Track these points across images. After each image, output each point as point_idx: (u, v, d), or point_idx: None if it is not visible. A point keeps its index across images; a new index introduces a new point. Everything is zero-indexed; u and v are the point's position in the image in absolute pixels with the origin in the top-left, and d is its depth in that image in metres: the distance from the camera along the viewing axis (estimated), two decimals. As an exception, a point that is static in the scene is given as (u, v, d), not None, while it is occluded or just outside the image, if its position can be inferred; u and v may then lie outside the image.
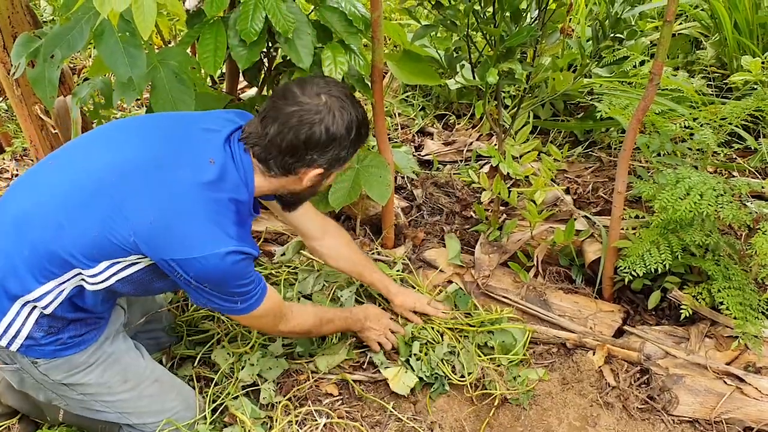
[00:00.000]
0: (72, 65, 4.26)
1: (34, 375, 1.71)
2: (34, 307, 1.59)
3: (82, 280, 1.59)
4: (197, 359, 2.16)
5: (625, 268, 2.18)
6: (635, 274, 2.16)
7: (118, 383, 1.80)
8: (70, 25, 1.69)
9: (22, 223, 1.57)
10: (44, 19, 4.20)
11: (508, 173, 2.33)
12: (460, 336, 2.19)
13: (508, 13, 1.99)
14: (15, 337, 1.61)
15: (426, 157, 3.33)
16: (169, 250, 1.52)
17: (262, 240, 2.62)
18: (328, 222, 2.22)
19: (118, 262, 1.57)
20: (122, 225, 1.51)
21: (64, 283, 1.58)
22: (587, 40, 2.62)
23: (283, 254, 2.52)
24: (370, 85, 2.35)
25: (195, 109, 1.93)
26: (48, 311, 1.59)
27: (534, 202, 2.34)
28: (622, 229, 2.30)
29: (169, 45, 2.88)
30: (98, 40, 1.65)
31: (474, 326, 2.22)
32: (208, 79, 2.65)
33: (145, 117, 1.81)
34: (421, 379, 2.07)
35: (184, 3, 1.54)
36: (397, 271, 2.44)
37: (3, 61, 2.35)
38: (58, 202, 1.56)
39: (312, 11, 2.22)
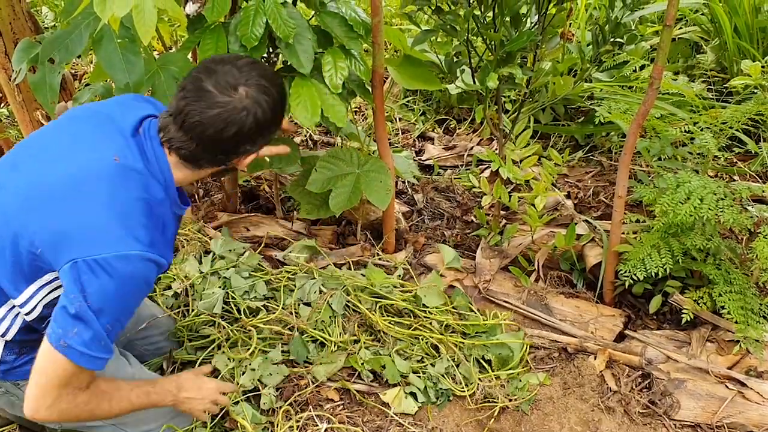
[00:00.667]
0: (73, 71, 4.27)
1: (21, 396, 1.64)
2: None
3: (17, 314, 1.54)
4: (197, 364, 2.15)
5: (625, 272, 2.18)
6: (636, 279, 2.16)
7: None
8: (69, 30, 1.69)
9: None
10: (46, 25, 4.21)
11: (508, 178, 2.33)
12: (455, 347, 2.18)
13: (508, 18, 1.99)
14: None
15: (427, 162, 3.33)
16: (67, 250, 1.39)
17: (262, 245, 2.62)
18: None
19: (42, 287, 1.50)
20: (28, 238, 1.42)
21: (7, 313, 1.54)
22: (587, 45, 2.63)
23: (290, 252, 2.53)
24: (370, 90, 2.35)
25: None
26: (9, 337, 1.57)
27: (534, 206, 2.34)
28: (623, 233, 2.31)
29: (170, 50, 2.89)
30: (97, 45, 1.66)
31: (468, 335, 2.22)
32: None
33: (63, 119, 1.65)
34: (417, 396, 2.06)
35: (184, 8, 1.54)
36: (398, 276, 2.44)
37: (4, 67, 2.35)
38: None
39: (312, 17, 2.23)
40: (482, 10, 1.99)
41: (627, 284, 2.20)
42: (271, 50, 2.32)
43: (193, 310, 2.30)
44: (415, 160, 3.29)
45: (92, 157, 1.46)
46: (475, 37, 2.20)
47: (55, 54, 1.76)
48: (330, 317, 2.25)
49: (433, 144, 3.53)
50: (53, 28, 4.18)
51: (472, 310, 2.31)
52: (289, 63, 2.12)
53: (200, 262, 2.48)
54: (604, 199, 2.91)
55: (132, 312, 1.52)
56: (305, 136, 3.62)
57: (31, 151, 1.55)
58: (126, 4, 1.27)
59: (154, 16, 1.29)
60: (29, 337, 1.59)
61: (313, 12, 2.19)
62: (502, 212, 2.73)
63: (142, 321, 2.09)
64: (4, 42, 2.28)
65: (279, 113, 1.57)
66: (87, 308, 1.39)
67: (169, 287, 2.39)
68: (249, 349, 2.15)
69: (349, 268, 2.50)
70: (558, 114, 3.48)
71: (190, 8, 1.52)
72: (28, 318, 1.54)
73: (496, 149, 3.35)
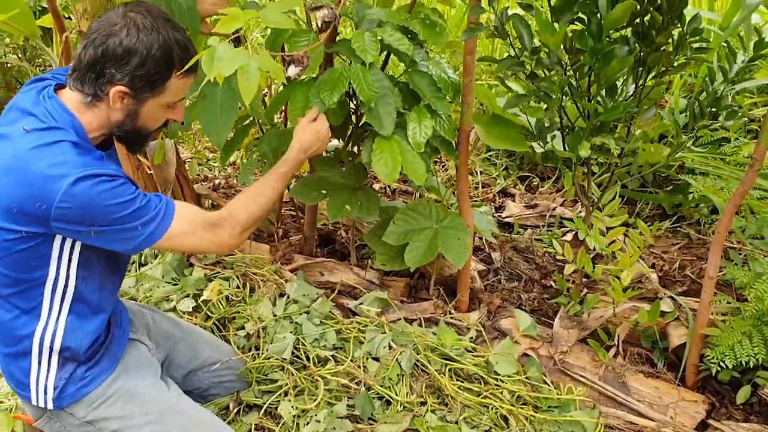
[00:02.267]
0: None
1: (61, 418, 1.71)
2: (49, 348, 1.61)
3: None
4: (263, 409, 2.15)
5: (712, 357, 2.06)
6: (724, 366, 2.03)
7: (139, 415, 1.74)
8: None
9: None
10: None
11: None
12: (526, 420, 2.09)
13: (603, 89, 1.94)
14: (45, 391, 1.64)
15: (506, 219, 3.28)
16: (40, 210, 1.43)
17: (335, 292, 2.61)
18: None
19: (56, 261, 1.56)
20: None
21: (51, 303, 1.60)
22: (681, 112, 2.54)
23: (361, 303, 2.51)
24: (455, 146, 2.34)
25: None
26: (57, 345, 1.61)
27: (619, 279, 2.25)
28: (711, 314, 2.19)
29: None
30: (201, 98, 1.71)
31: (541, 408, 2.13)
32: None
33: None
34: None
35: (286, 71, 1.57)
36: (470, 338, 2.38)
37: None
38: None
39: (403, 73, 2.24)
40: (577, 78, 1.95)
41: (713, 371, 2.08)
42: (355, 106, 2.35)
43: (263, 353, 2.31)
44: (494, 217, 3.24)
45: (14, 138, 1.48)
46: (566, 101, 2.16)
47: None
48: (398, 375, 2.21)
49: (514, 201, 3.47)
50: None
51: (546, 382, 2.23)
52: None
53: (274, 305, 2.50)
54: (690, 274, 2.78)
55: (120, 202, 1.51)
56: (384, 183, 3.63)
57: None
58: (232, 64, 1.31)
59: (257, 77, 1.32)
60: (74, 342, 1.63)
61: (402, 68, 2.20)
62: (584, 279, 2.63)
63: (203, 356, 2.11)
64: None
65: (158, 55, 1.48)
66: (102, 231, 1.49)
67: (242, 327, 2.42)
68: (315, 399, 2.13)
69: (420, 325, 2.47)
70: (646, 180, 3.38)
71: (292, 71, 1.55)
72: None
73: (580, 212, 3.28)
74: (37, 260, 1.53)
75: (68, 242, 1.55)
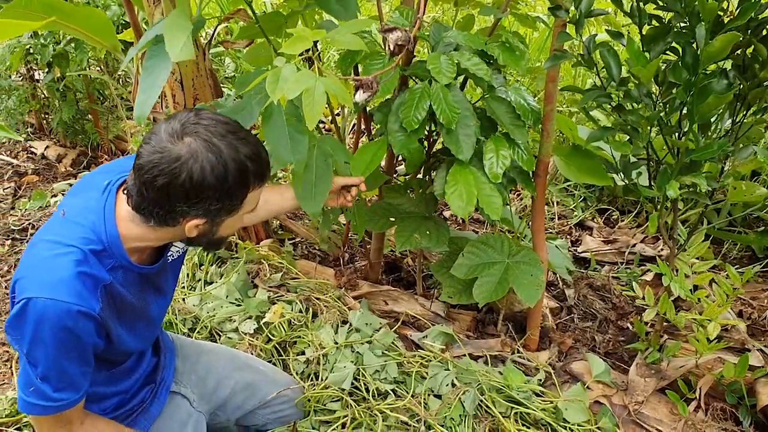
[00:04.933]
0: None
1: None
2: None
3: None
4: (317, 441, 2.08)
5: (809, 423, 1.87)
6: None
7: None
8: (241, 104, 1.70)
9: None
10: (226, 75, 4.47)
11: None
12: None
13: (696, 125, 1.80)
14: None
15: (583, 254, 3.13)
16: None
17: (399, 323, 2.53)
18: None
19: None
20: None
21: None
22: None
23: (425, 337, 2.42)
24: (532, 178, 2.23)
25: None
26: None
27: (704, 328, 2.08)
28: (808, 374, 1.99)
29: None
30: (266, 121, 1.65)
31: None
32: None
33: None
34: None
35: (354, 96, 1.51)
36: (539, 380, 2.25)
37: (181, 120, 2.46)
38: None
39: (479, 99, 2.15)
40: (667, 112, 1.82)
41: (809, 437, 1.89)
42: (431, 129, 2.27)
43: (322, 381, 2.25)
44: (570, 251, 3.10)
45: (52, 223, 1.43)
46: (654, 136, 2.03)
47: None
48: (460, 415, 2.10)
49: (591, 235, 3.31)
50: (232, 78, 4.42)
51: (619, 435, 2.08)
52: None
53: (336, 332, 2.43)
54: (784, 325, 2.57)
55: (69, 362, 1.37)
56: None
57: None
58: (297, 87, 1.25)
59: (323, 100, 1.25)
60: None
61: (478, 93, 2.12)
62: (665, 324, 2.46)
63: (260, 394, 2.05)
64: (185, 98, 2.39)
65: (227, 182, 1.32)
66: (22, 353, 1.35)
67: (303, 353, 2.36)
68: (372, 436, 2.05)
69: (486, 362, 2.35)
70: (735, 219, 3.17)
71: (360, 97, 1.48)
72: None
73: (661, 250, 3.09)
74: None
75: None
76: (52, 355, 1.32)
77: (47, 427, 1.45)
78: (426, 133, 2.26)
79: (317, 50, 2.13)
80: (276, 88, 1.28)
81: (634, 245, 3.14)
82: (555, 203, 3.57)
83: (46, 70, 4.17)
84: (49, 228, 1.41)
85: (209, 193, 1.31)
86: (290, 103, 1.55)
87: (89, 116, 4.51)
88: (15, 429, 2.20)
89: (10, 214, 3.74)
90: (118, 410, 1.66)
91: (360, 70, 2.10)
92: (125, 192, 1.38)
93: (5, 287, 3.10)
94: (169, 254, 1.59)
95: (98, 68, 4.19)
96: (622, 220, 3.46)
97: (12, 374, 2.51)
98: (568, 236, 3.33)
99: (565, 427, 2.08)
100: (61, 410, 1.39)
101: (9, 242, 3.43)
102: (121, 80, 4.38)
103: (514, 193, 3.72)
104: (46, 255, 1.34)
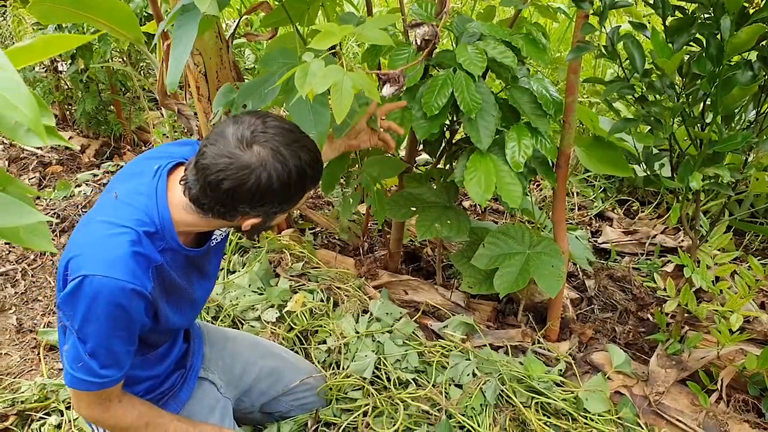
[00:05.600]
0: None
1: None
2: None
3: None
4: (341, 428, 2.11)
5: (832, 415, 1.87)
6: None
7: None
8: (263, 78, 1.74)
9: None
10: (246, 67, 4.49)
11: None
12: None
13: (719, 117, 1.79)
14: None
15: (603, 245, 3.12)
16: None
17: (420, 312, 2.55)
18: None
19: None
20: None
21: None
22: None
23: (445, 327, 2.44)
24: (553, 168, 2.24)
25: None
26: None
27: (727, 319, 2.08)
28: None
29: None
30: (288, 95, 1.68)
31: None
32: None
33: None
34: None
35: (381, 90, 1.52)
36: (559, 370, 2.26)
37: (206, 111, 2.49)
38: None
39: (502, 90, 2.16)
40: (690, 103, 1.81)
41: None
42: (453, 119, 2.28)
43: (344, 369, 2.27)
44: (590, 242, 3.09)
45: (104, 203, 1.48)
46: (676, 128, 2.02)
47: (249, 100, 1.82)
48: (481, 405, 2.12)
49: (612, 226, 3.31)
50: (252, 69, 4.44)
51: (639, 424, 2.09)
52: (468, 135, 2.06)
53: (357, 321, 2.46)
54: (806, 317, 2.56)
55: (117, 340, 1.41)
56: (474, 201, 3.54)
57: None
58: (325, 82, 1.27)
59: (350, 95, 1.27)
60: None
61: (500, 85, 2.12)
62: (686, 315, 2.46)
63: (284, 381, 2.09)
64: (209, 89, 2.42)
65: (290, 188, 1.40)
66: (73, 329, 1.40)
67: (324, 342, 2.39)
68: (394, 423, 2.07)
69: (507, 352, 2.37)
70: (757, 210, 3.15)
71: (387, 90, 1.50)
72: None
73: (682, 241, 3.08)
74: None
75: None
76: (104, 331, 1.37)
77: (87, 403, 1.50)
78: (448, 122, 2.27)
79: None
80: (305, 82, 1.30)
81: (655, 236, 3.13)
82: (575, 194, 3.56)
83: (70, 61, 4.22)
84: (101, 209, 1.46)
85: (272, 198, 1.39)
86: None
87: (112, 107, 4.56)
88: (44, 414, 2.26)
89: (36, 204, 3.80)
90: (149, 394, 1.70)
91: (382, 65, 2.11)
92: (183, 183, 1.43)
93: (31, 275, 3.15)
94: (213, 238, 1.65)
95: (121, 60, 4.23)
96: (643, 212, 3.44)
97: (40, 361, 2.56)
98: (588, 227, 3.33)
99: (585, 417, 2.09)
100: (104, 387, 1.45)
101: (35, 231, 3.48)
102: (143, 71, 4.42)
103: (534, 184, 3.72)
104: (101, 234, 1.39)
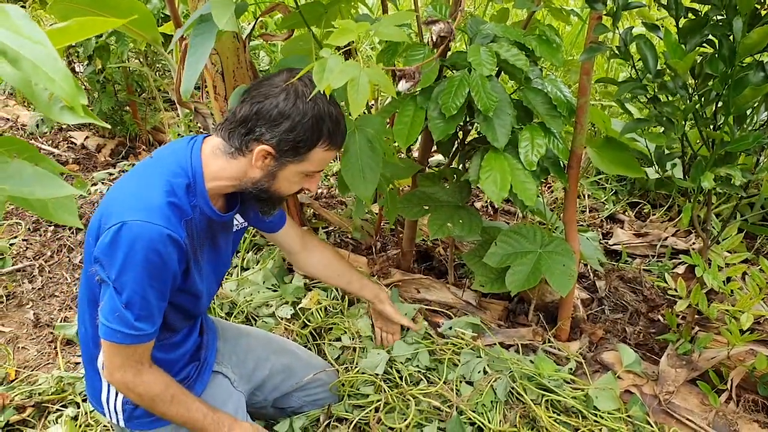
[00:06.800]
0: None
1: None
2: None
3: None
4: (353, 423, 2.13)
5: (842, 415, 1.87)
6: None
7: None
8: None
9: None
10: (261, 68, 4.53)
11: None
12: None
13: (731, 117, 1.81)
14: (115, 410, 1.70)
15: (614, 247, 3.14)
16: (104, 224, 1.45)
17: (431, 311, 2.57)
18: (309, 236, 2.19)
19: None
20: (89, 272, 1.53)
21: None
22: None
23: (450, 328, 2.46)
24: (565, 169, 2.26)
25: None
26: None
27: (738, 320, 2.09)
28: (842, 367, 2.00)
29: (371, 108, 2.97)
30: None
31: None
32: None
33: None
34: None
35: (396, 85, 1.55)
36: (570, 369, 2.28)
37: (222, 110, 2.53)
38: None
39: (515, 91, 2.19)
40: (702, 104, 1.83)
41: (842, 429, 1.89)
42: (467, 119, 2.30)
43: (356, 366, 2.30)
44: (601, 243, 3.11)
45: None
46: (688, 129, 2.04)
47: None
48: (492, 402, 2.14)
49: (622, 228, 3.32)
50: (266, 71, 4.49)
51: (649, 423, 2.10)
52: (482, 134, 2.08)
53: (371, 318, 2.48)
54: (817, 319, 2.56)
55: (152, 290, 1.46)
56: (486, 202, 3.56)
57: None
58: (342, 77, 1.30)
59: (367, 91, 1.30)
60: None
61: (513, 86, 2.15)
62: (696, 316, 2.47)
63: (297, 376, 2.12)
64: (226, 88, 2.45)
65: (310, 123, 1.50)
66: (109, 281, 1.45)
67: (339, 339, 2.42)
68: (405, 418, 2.10)
69: (517, 351, 2.39)
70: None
71: (403, 86, 1.53)
72: None
73: (693, 243, 3.09)
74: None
75: None
76: (140, 279, 1.42)
77: (120, 362, 1.54)
78: (462, 122, 2.29)
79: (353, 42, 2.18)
80: (322, 77, 1.33)
81: (666, 239, 3.14)
82: (586, 196, 3.58)
83: (87, 62, 4.27)
84: (136, 169, 1.55)
85: (287, 123, 1.49)
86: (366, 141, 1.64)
87: (128, 107, 4.61)
88: (60, 406, 2.29)
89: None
90: None
91: (397, 62, 2.14)
92: (214, 127, 1.58)
93: (48, 271, 3.20)
94: (234, 222, 1.77)
95: (137, 60, 4.28)
96: (654, 214, 3.46)
97: (57, 354, 2.60)
98: (599, 229, 3.34)
99: (595, 415, 2.11)
100: (137, 342, 1.50)
101: (51, 228, 3.53)
102: (159, 72, 4.47)
103: (545, 186, 3.74)
104: (138, 185, 1.49)
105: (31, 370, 2.51)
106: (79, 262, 3.27)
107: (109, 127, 3.70)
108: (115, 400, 1.69)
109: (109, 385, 1.69)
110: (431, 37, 1.80)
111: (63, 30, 0.77)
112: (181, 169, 1.52)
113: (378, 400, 2.18)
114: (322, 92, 1.42)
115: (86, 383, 1.78)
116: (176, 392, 1.64)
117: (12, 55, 0.62)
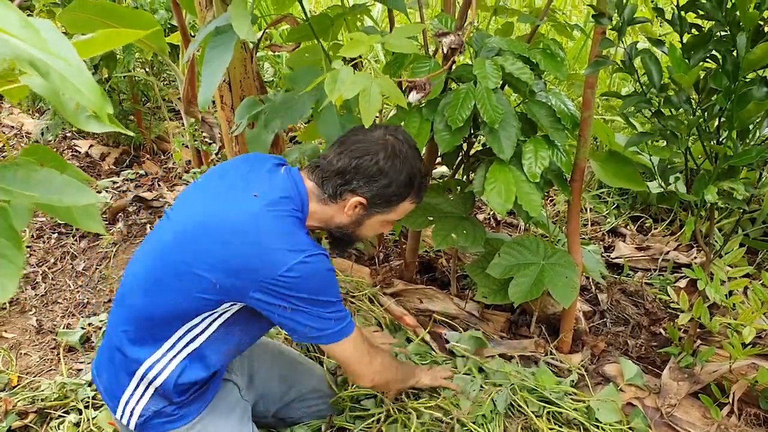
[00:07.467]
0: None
1: None
2: (150, 381, 1.66)
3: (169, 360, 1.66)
4: (355, 433, 2.13)
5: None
6: None
7: None
8: (293, 96, 1.80)
9: (127, 293, 1.68)
10: (265, 79, 4.56)
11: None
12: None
13: (735, 131, 1.83)
14: (131, 412, 1.70)
15: (616, 260, 3.14)
16: (254, 276, 1.51)
17: (432, 320, 2.58)
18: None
19: (210, 315, 1.63)
20: (201, 279, 1.54)
21: (175, 344, 1.65)
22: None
23: (458, 341, 2.46)
24: (568, 182, 2.27)
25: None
26: (158, 382, 1.65)
27: (739, 333, 2.10)
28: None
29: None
30: (317, 113, 1.76)
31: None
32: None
33: (226, 165, 1.83)
34: None
35: (407, 96, 1.58)
36: (571, 381, 2.28)
37: (229, 119, 2.55)
38: (143, 276, 1.65)
39: (519, 104, 2.21)
40: (706, 118, 1.85)
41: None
42: (472, 132, 2.32)
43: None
44: (603, 257, 3.12)
45: (243, 199, 1.59)
46: (691, 143, 2.05)
47: (278, 120, 1.88)
48: (492, 413, 2.15)
49: (624, 242, 3.33)
50: (271, 83, 4.52)
51: (651, 437, 2.11)
52: (487, 146, 2.10)
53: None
54: (819, 334, 2.57)
55: (333, 289, 1.61)
56: (488, 214, 3.58)
57: (185, 203, 1.71)
58: (354, 87, 1.32)
59: (378, 101, 1.32)
60: (171, 385, 1.66)
61: (516, 98, 2.16)
62: (698, 330, 2.48)
63: (297, 387, 2.12)
64: (233, 98, 2.47)
65: (403, 180, 1.63)
66: (300, 309, 1.56)
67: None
68: (408, 431, 2.10)
69: (519, 363, 2.39)
70: (771, 228, 3.17)
71: (414, 97, 1.56)
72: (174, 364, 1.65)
73: (695, 258, 3.10)
74: (192, 309, 1.60)
75: (234, 307, 1.62)
76: (334, 290, 1.61)
77: (358, 358, 1.75)
78: (467, 135, 2.31)
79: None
80: (334, 88, 1.35)
81: (668, 253, 3.15)
82: (588, 209, 3.59)
83: (93, 71, 4.30)
84: (246, 203, 1.59)
85: (384, 180, 1.62)
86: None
87: (132, 117, 4.63)
88: (63, 412, 2.29)
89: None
90: (195, 386, 1.74)
91: (404, 74, 2.16)
92: (310, 166, 1.67)
93: (51, 278, 3.21)
94: None
95: (143, 70, 4.30)
96: (656, 228, 3.47)
97: (59, 361, 2.60)
98: (600, 242, 3.35)
99: (597, 427, 2.11)
100: (354, 326, 1.69)
101: (55, 236, 3.55)
102: (165, 82, 4.50)
103: (548, 199, 3.75)
104: (279, 225, 1.56)
105: (34, 376, 2.51)
106: (83, 269, 3.28)
107: (132, 134, 3.73)
108: (136, 403, 1.69)
109: (135, 387, 1.69)
110: (442, 49, 1.82)
111: (89, 42, 0.79)
112: (297, 205, 1.62)
113: (380, 413, 2.18)
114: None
115: (106, 380, 1.76)
116: (395, 364, 1.97)
117: (42, 68, 0.64)
